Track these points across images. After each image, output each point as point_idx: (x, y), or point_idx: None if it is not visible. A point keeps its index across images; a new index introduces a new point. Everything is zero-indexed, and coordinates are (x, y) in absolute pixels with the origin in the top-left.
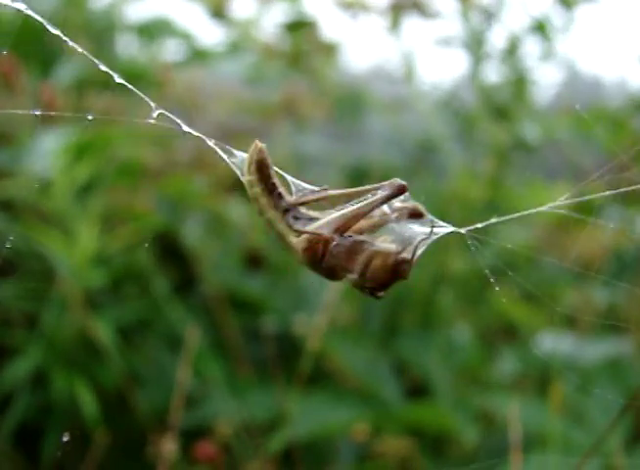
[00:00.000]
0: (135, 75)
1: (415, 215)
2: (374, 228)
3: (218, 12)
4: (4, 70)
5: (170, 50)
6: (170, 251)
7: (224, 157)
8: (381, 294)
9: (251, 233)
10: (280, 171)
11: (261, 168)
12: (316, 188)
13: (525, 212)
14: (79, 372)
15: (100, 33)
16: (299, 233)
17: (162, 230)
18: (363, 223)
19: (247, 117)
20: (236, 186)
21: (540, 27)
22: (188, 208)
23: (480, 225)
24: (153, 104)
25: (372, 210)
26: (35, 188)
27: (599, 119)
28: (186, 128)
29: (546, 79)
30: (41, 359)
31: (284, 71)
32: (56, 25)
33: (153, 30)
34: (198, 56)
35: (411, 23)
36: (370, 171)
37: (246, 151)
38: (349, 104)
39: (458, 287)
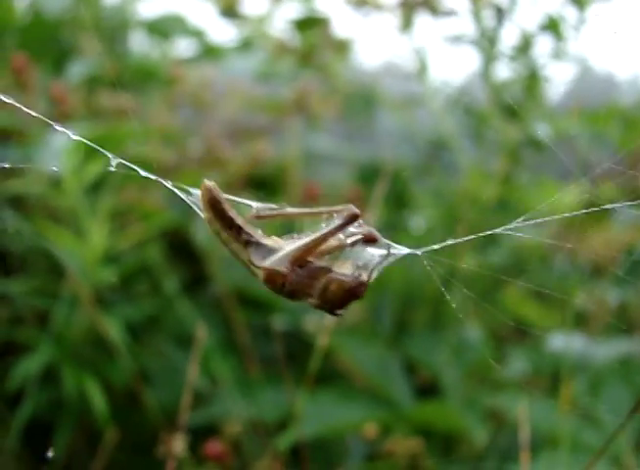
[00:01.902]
0: (147, 73)
1: (370, 241)
2: (330, 253)
3: (229, 9)
4: (16, 67)
5: (182, 47)
6: (180, 248)
7: (183, 196)
8: (339, 312)
9: (262, 230)
10: (238, 199)
11: (215, 206)
12: (274, 206)
13: (488, 232)
14: (89, 370)
15: (112, 31)
16: (259, 270)
17: (173, 228)
18: (322, 248)
19: (258, 114)
20: (247, 184)
21: (552, 25)
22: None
23: (436, 247)
24: (110, 155)
25: (326, 239)
26: (46, 186)
27: (612, 117)
28: (143, 173)
29: (558, 77)
30: (51, 357)
31: (295, 69)
32: (68, 23)
33: (164, 28)
34: (209, 53)
35: (423, 20)
36: (381, 169)
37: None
38: (361, 101)
39: (468, 286)
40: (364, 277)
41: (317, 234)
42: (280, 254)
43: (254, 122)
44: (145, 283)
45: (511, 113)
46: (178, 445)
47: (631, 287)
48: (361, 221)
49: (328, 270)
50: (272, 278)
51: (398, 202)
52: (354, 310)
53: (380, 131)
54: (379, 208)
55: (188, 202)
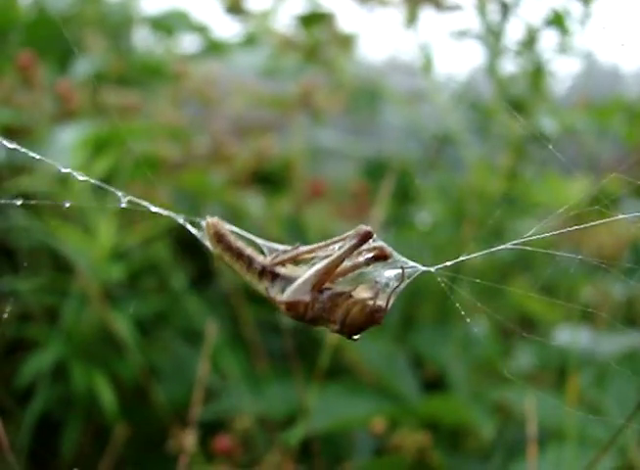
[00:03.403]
0: (152, 69)
1: (382, 257)
2: (346, 274)
3: (234, 5)
4: (22, 64)
5: (186, 43)
6: (188, 244)
7: (193, 231)
8: (357, 337)
9: (268, 226)
10: (248, 235)
11: (220, 240)
12: (288, 247)
13: (492, 249)
14: (98, 366)
15: (116, 27)
16: (280, 304)
17: (180, 224)
18: (339, 270)
19: (263, 110)
20: (253, 179)
21: (557, 20)
22: (206, 201)
23: (449, 263)
24: (120, 193)
25: (342, 261)
26: (54, 183)
27: (617, 111)
28: (154, 209)
29: (563, 71)
30: (60, 353)
31: (300, 64)
32: (72, 20)
33: (168, 24)
34: (214, 49)
35: (427, 15)
36: (387, 164)
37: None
38: (366, 96)
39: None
40: (382, 303)
41: (332, 257)
42: (298, 282)
43: (260, 118)
44: (153, 279)
45: (516, 107)
46: (189, 440)
47: (637, 281)
48: (374, 239)
49: (348, 296)
50: (294, 308)
51: (404, 197)
52: None
53: (385, 126)
54: (385, 203)
55: (198, 237)
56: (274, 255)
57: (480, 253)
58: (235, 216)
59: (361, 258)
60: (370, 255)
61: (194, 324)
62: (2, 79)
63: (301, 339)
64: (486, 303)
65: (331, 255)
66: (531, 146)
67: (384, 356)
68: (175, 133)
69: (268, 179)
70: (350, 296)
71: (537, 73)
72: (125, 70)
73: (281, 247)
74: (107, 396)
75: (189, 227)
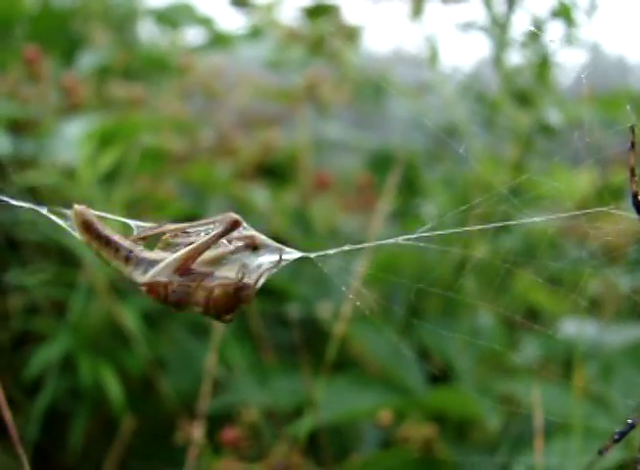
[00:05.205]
0: (157, 62)
1: (253, 247)
2: (215, 261)
3: None
4: (28, 58)
5: (191, 36)
6: None
7: (60, 222)
8: (228, 318)
9: (274, 218)
10: (118, 218)
11: (88, 229)
12: (154, 225)
13: (381, 242)
14: (106, 358)
15: (121, 20)
16: (140, 286)
17: (185, 216)
18: (205, 256)
19: (269, 102)
20: (258, 172)
21: (564, 11)
22: (211, 194)
23: (331, 251)
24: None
25: (208, 247)
26: (60, 176)
27: (624, 102)
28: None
29: (570, 62)
30: (68, 346)
31: (305, 57)
32: (77, 14)
33: (173, 16)
34: (219, 41)
35: (433, 7)
36: (392, 157)
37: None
38: (371, 88)
39: (481, 273)
40: (248, 281)
41: (198, 243)
42: (161, 265)
43: (265, 111)
44: None
45: (522, 99)
46: (197, 432)
47: None
48: (244, 228)
49: (210, 276)
50: (153, 290)
51: (410, 189)
52: (367, 298)
53: (390, 118)
54: (391, 195)
55: (66, 227)
56: (141, 229)
57: (365, 244)
58: (241, 209)
59: (231, 247)
60: (240, 243)
61: (200, 317)
62: (8, 73)
63: (309, 331)
64: (492, 294)
65: (196, 239)
66: (538, 138)
67: (390, 349)
68: (181, 126)
69: (274, 172)
70: (213, 276)
71: (543, 65)
72: (130, 64)
73: (148, 224)
74: (114, 388)
75: (54, 218)
